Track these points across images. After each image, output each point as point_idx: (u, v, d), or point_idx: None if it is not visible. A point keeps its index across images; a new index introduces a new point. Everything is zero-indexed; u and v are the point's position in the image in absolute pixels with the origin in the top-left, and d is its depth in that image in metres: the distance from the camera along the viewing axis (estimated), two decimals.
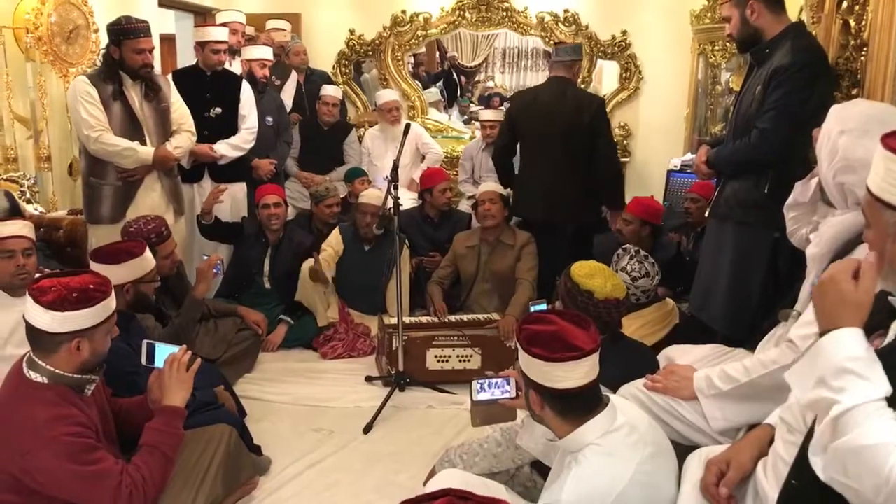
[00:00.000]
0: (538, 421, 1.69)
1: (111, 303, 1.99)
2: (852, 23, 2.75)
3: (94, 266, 2.63)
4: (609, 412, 1.59)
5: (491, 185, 4.24)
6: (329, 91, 5.32)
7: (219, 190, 4.04)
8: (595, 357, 1.57)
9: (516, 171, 4.24)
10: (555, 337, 1.57)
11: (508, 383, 1.81)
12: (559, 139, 3.83)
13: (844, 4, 2.81)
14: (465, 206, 5.35)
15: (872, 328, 1.40)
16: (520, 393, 1.78)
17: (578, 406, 1.58)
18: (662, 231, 4.14)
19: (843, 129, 1.84)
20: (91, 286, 1.94)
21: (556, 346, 1.55)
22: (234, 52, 4.82)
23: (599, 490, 1.50)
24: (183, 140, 3.75)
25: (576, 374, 1.54)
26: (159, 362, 2.17)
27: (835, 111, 1.93)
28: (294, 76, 5.61)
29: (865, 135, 1.77)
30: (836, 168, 1.85)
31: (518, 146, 4.16)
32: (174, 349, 2.18)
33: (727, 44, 5.38)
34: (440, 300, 3.93)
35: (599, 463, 1.53)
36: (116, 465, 1.92)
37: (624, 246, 3.01)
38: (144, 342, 2.20)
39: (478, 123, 7.09)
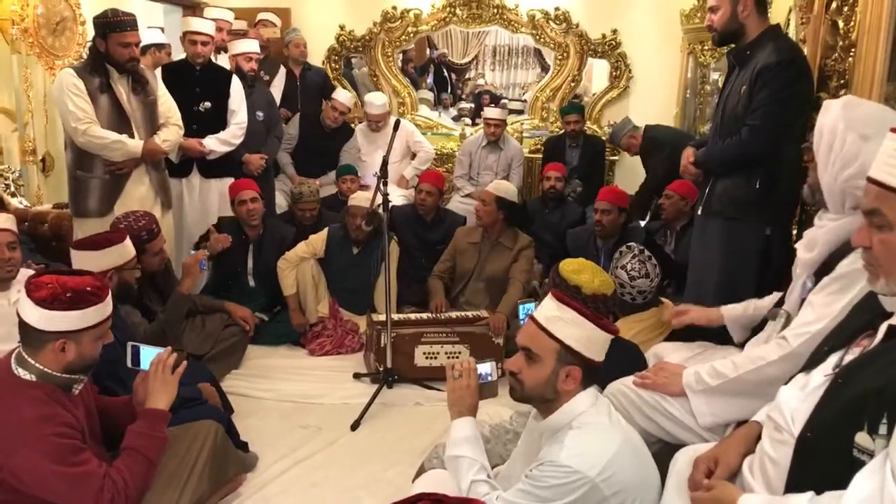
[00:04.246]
0: (535, 401, 1.71)
1: (105, 308, 1.94)
2: (841, 23, 2.76)
3: (74, 254, 2.63)
4: (594, 387, 1.70)
5: (500, 184, 4.11)
6: (341, 98, 5.29)
7: (225, 239, 3.94)
8: None
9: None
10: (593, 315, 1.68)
11: (491, 367, 1.93)
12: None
13: (833, 5, 2.83)
14: (456, 202, 5.35)
15: (860, 328, 1.41)
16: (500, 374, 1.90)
17: (594, 381, 1.70)
18: (631, 218, 4.25)
19: (864, 134, 1.73)
20: (88, 288, 1.90)
21: (606, 323, 1.67)
22: (219, 48, 4.78)
23: (598, 448, 1.56)
24: (171, 133, 3.72)
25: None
26: (145, 364, 2.14)
27: (837, 112, 1.79)
28: (283, 71, 5.58)
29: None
30: (851, 172, 1.76)
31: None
32: (160, 351, 2.15)
33: None
34: (441, 295, 3.92)
35: (595, 425, 1.61)
36: (100, 468, 1.89)
37: (628, 244, 3.01)
38: (129, 344, 2.17)
39: (467, 120, 7.14)
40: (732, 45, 2.84)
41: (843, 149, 1.77)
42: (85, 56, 4.10)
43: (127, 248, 2.73)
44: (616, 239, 3.90)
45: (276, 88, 5.47)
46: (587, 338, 1.63)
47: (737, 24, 2.72)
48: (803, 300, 1.91)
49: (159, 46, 5.08)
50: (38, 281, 1.88)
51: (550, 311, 1.67)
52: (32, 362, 1.87)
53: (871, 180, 1.27)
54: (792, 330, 1.83)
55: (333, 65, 6.31)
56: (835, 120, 1.79)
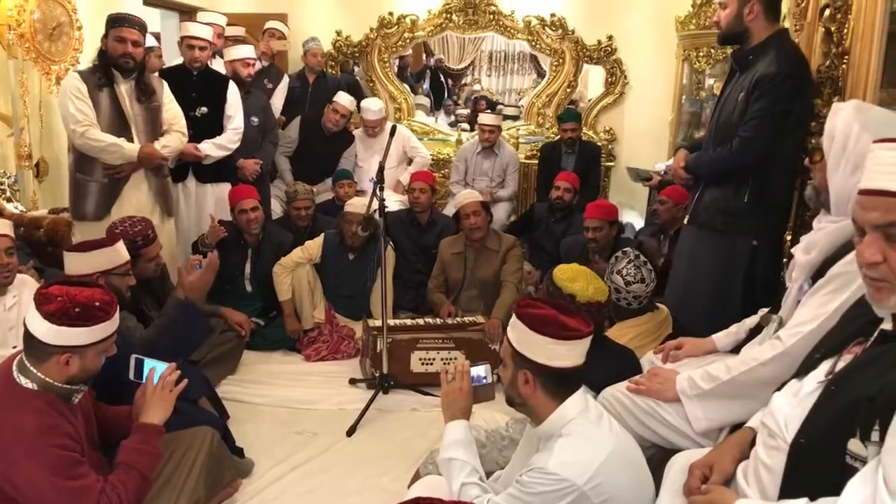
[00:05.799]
0: (518, 407, 1.72)
1: (112, 325, 1.93)
2: (834, 31, 2.78)
3: (65, 256, 2.61)
4: (582, 393, 1.68)
5: (469, 195, 4.17)
6: (342, 101, 5.19)
7: (220, 229, 3.95)
8: (589, 340, 1.66)
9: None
10: (553, 320, 1.65)
11: (486, 370, 1.95)
12: None
13: (826, 13, 2.84)
14: (451, 208, 5.35)
15: (852, 335, 1.41)
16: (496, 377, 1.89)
17: (569, 385, 1.66)
18: (622, 229, 4.25)
19: (880, 135, 1.58)
20: (96, 304, 1.89)
21: (558, 327, 1.63)
22: (214, 53, 4.77)
23: (586, 456, 1.56)
24: (172, 140, 3.72)
25: (575, 353, 1.64)
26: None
27: (850, 115, 1.76)
28: (286, 80, 5.57)
29: None
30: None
31: None
32: (163, 366, 2.15)
33: (711, 50, 5.43)
34: (448, 303, 3.96)
35: (584, 433, 1.60)
36: (97, 483, 1.89)
37: (624, 249, 3.02)
38: (133, 357, 2.16)
39: (464, 125, 7.15)
40: (735, 47, 2.80)
41: (856, 149, 1.72)
42: (88, 62, 4.11)
43: (117, 253, 2.69)
44: (609, 252, 3.91)
45: (279, 97, 5.45)
46: (527, 341, 1.63)
47: (741, 27, 2.68)
48: (799, 302, 1.91)
49: (147, 49, 5.07)
50: (48, 293, 1.87)
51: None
52: (34, 371, 1.86)
53: (878, 192, 1.22)
54: (786, 330, 1.83)
55: (330, 70, 6.32)
56: (849, 122, 1.76)
